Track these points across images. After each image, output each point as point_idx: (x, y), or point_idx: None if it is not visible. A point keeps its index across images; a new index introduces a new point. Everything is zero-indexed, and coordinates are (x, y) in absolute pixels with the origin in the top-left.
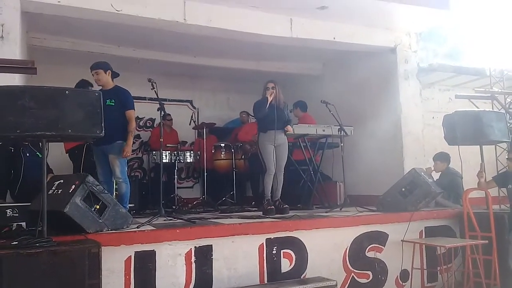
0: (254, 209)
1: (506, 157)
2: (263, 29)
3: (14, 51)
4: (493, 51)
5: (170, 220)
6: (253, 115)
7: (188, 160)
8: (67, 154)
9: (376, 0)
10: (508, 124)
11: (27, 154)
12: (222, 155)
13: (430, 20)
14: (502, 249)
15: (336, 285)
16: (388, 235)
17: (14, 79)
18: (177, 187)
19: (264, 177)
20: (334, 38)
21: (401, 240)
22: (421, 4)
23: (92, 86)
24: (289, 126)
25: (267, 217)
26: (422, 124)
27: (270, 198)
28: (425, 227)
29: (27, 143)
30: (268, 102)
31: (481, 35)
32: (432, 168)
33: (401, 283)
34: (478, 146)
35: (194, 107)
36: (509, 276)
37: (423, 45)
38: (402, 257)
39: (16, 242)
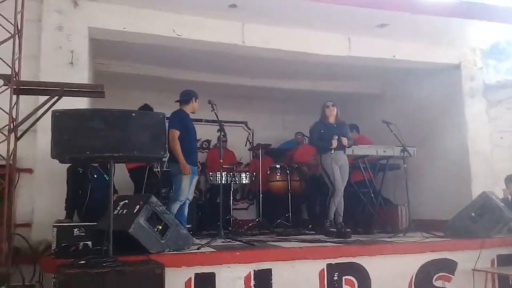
0: (311, 232)
1: None
2: (320, 49)
3: (83, 76)
4: None
5: (229, 242)
6: (308, 136)
7: (244, 181)
8: (128, 173)
9: (438, 16)
10: None
11: (95, 176)
12: (277, 177)
13: (496, 35)
14: None
15: None
16: (457, 263)
17: (82, 103)
18: (233, 209)
19: (330, 198)
20: (394, 56)
21: (472, 269)
22: (487, 19)
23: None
24: (344, 138)
25: (328, 241)
26: (490, 144)
27: (333, 219)
28: (497, 255)
29: (96, 165)
30: (329, 121)
31: None
32: (508, 191)
33: None
34: None
35: (249, 128)
36: None
37: (488, 62)
38: (473, 287)
39: (84, 262)
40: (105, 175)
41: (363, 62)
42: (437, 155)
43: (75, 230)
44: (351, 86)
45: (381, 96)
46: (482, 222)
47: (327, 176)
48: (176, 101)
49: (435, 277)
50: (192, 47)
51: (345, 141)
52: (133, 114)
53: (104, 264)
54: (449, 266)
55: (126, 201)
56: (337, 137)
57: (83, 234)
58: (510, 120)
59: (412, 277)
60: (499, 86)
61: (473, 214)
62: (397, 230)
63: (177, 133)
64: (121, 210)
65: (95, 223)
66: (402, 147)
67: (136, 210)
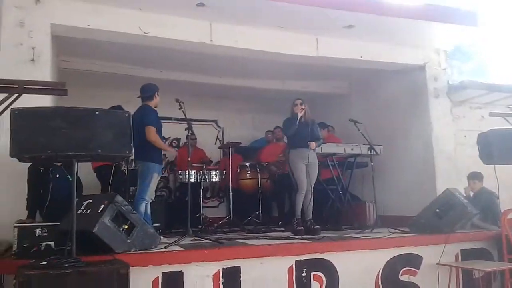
0: (281, 229)
1: None
2: (289, 49)
3: (45, 73)
4: None
5: (198, 240)
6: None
7: (214, 179)
8: (94, 172)
9: (403, 18)
10: None
11: (57, 175)
12: (247, 175)
13: (459, 37)
14: None
15: None
16: (422, 258)
17: (45, 102)
18: (203, 206)
19: (296, 196)
20: (361, 57)
21: (437, 264)
22: (450, 22)
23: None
24: (312, 142)
25: (297, 238)
26: (454, 143)
27: (300, 217)
28: (461, 250)
29: (60, 164)
30: (298, 118)
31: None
32: (470, 188)
33: None
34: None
35: (219, 127)
36: None
37: (452, 63)
38: (438, 281)
39: (46, 262)
40: (68, 175)
41: (331, 62)
42: (403, 153)
43: (37, 230)
44: (319, 85)
45: (348, 96)
46: (446, 218)
47: (292, 173)
48: (138, 97)
49: (401, 271)
50: (159, 45)
51: (313, 145)
52: (97, 113)
53: (66, 265)
54: (414, 261)
55: (91, 200)
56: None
57: (46, 234)
58: (473, 120)
59: (378, 272)
60: (462, 86)
61: (437, 210)
62: (365, 226)
63: (154, 130)
64: (85, 210)
65: (58, 223)
66: (369, 146)
67: (100, 209)
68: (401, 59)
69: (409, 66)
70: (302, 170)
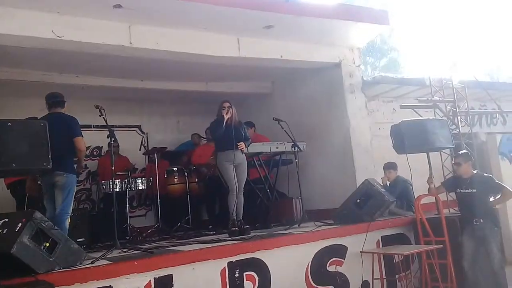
0: (211, 232)
1: (453, 162)
2: (211, 50)
3: None
4: (431, 62)
5: (126, 252)
6: (204, 137)
7: (140, 187)
8: (8, 189)
9: (318, 18)
10: (451, 130)
11: None
12: (175, 180)
13: (371, 35)
14: (455, 252)
15: None
16: (347, 247)
17: None
18: (129, 217)
19: (228, 197)
20: (281, 56)
21: (360, 252)
22: (363, 21)
23: None
24: (242, 142)
25: (227, 240)
26: (370, 135)
27: (234, 219)
28: (381, 237)
29: None
30: (225, 121)
31: (419, 46)
32: (386, 178)
33: None
34: (423, 153)
35: (143, 132)
36: (464, 278)
37: (366, 59)
38: (362, 268)
39: None
40: None
41: (253, 62)
42: (324, 148)
43: None
44: (243, 86)
45: (271, 95)
46: (366, 208)
47: (221, 175)
48: (53, 106)
49: (328, 262)
50: (75, 49)
51: (242, 145)
52: (9, 124)
53: None
54: (340, 251)
55: (6, 219)
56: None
57: None
58: (386, 113)
59: (308, 265)
60: (375, 82)
61: (358, 201)
62: (292, 222)
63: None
64: (0, 230)
65: None
66: (293, 143)
67: (18, 228)
68: (319, 58)
69: (326, 64)
70: (230, 171)
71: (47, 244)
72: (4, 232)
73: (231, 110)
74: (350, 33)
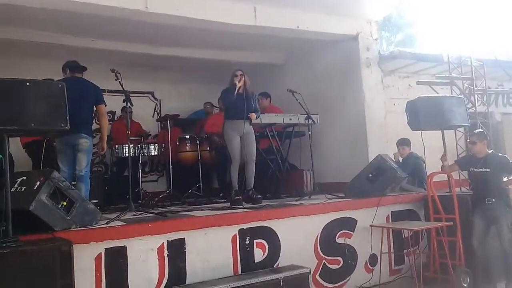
0: (222, 200)
1: (468, 140)
2: (227, 18)
3: None
4: (450, 38)
5: (140, 214)
6: (217, 106)
7: (152, 153)
8: (24, 149)
9: None
10: (467, 109)
11: None
12: (187, 147)
13: (390, 8)
14: (465, 230)
15: (310, 272)
16: (357, 221)
17: None
18: (142, 181)
19: (230, 168)
20: (298, 27)
21: (370, 225)
22: None
23: None
24: (253, 113)
25: (239, 208)
26: (384, 111)
27: (237, 188)
28: (391, 212)
29: None
30: (237, 89)
31: (438, 22)
32: (399, 154)
33: (370, 267)
34: (438, 130)
35: (156, 99)
36: (473, 256)
37: (382, 34)
38: (371, 242)
39: None
40: None
41: (268, 32)
42: (337, 122)
43: None
44: (256, 56)
45: (284, 66)
46: (377, 183)
47: (226, 144)
48: (76, 70)
49: (337, 234)
50: (90, 11)
51: (253, 116)
52: (28, 84)
53: (4, 245)
54: (349, 224)
55: (25, 177)
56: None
57: None
58: (402, 88)
59: (317, 236)
60: (392, 56)
61: (370, 175)
62: (303, 194)
63: None
64: (19, 188)
65: None
66: (306, 115)
67: (36, 186)
68: (336, 29)
69: (343, 36)
70: (234, 141)
71: (64, 203)
72: (23, 190)
73: (243, 79)
74: (368, 5)
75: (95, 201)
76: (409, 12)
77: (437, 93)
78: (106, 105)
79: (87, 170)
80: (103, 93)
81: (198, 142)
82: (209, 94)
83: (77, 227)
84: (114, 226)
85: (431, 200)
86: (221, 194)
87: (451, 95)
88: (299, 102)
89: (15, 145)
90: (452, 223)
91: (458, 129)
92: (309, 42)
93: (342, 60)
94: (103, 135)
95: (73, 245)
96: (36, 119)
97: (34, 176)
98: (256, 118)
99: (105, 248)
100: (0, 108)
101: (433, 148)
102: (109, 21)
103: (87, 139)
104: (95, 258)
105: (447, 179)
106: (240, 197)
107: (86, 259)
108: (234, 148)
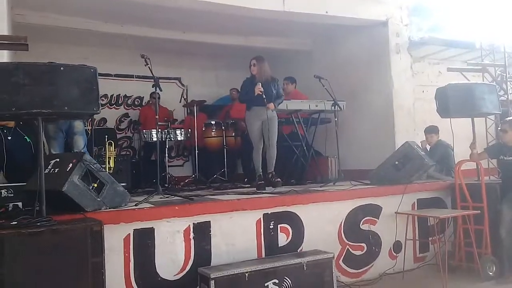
0: (246, 185)
1: (499, 128)
2: (255, 3)
3: (1, 28)
4: (482, 24)
5: (167, 197)
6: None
7: (179, 138)
8: None
9: None
10: (499, 97)
11: (9, 138)
12: (212, 133)
13: None
14: (493, 219)
15: (333, 257)
16: (382, 208)
17: (2, 57)
18: (168, 166)
19: (253, 154)
20: (326, 12)
21: (395, 212)
22: None
23: None
24: (271, 103)
25: (264, 193)
26: (413, 98)
27: (261, 173)
28: (417, 199)
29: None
30: (257, 79)
31: (470, 7)
32: (427, 141)
33: (394, 254)
34: (467, 118)
35: (183, 85)
36: (500, 245)
37: (412, 19)
38: (395, 229)
39: (16, 222)
40: (26, 137)
41: (296, 17)
42: (364, 109)
43: (3, 191)
44: (282, 42)
45: (311, 52)
46: (404, 170)
47: (248, 132)
48: None
49: (362, 221)
50: None
51: (271, 105)
52: (62, 68)
53: (38, 224)
54: (374, 211)
55: (58, 159)
56: (260, 85)
57: (12, 195)
58: (431, 75)
59: (341, 222)
60: (422, 42)
61: (396, 163)
62: (327, 180)
63: None
64: (52, 169)
65: (24, 184)
66: (333, 101)
67: (69, 168)
68: (365, 15)
69: (372, 22)
70: (255, 128)
71: (95, 185)
72: (56, 171)
73: (257, 67)
74: None
75: (123, 184)
76: None
77: (468, 80)
78: None
79: (86, 151)
80: (131, 79)
81: (223, 127)
82: (235, 81)
83: (107, 208)
84: (143, 208)
85: (458, 188)
86: (246, 179)
87: (482, 82)
88: (325, 89)
89: None
90: (479, 211)
91: (488, 117)
92: (337, 28)
93: (370, 46)
94: None
95: (104, 225)
96: (70, 103)
97: (67, 158)
98: (277, 106)
99: (134, 229)
100: (35, 92)
101: (461, 136)
102: (139, 7)
103: (80, 121)
104: (124, 238)
105: (475, 167)
106: (263, 182)
107: (115, 239)
108: (254, 134)
